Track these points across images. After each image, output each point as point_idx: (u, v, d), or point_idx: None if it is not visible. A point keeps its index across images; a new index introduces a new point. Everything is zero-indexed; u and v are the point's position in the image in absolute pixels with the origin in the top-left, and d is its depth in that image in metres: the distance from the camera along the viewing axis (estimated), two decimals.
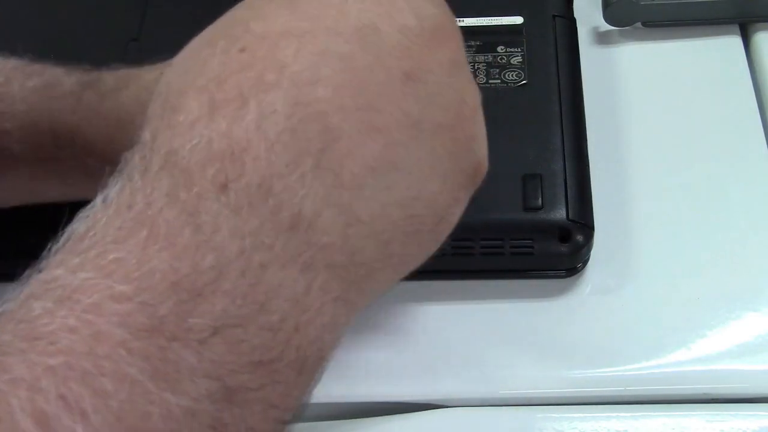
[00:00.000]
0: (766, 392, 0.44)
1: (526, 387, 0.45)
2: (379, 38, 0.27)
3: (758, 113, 0.53)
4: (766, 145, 0.51)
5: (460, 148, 0.29)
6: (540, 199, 0.46)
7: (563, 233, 0.45)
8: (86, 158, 0.40)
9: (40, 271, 0.23)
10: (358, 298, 0.27)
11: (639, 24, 0.57)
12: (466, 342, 0.46)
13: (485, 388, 0.45)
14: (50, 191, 0.43)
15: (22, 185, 0.43)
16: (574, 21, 0.55)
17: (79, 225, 0.24)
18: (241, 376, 0.23)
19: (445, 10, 0.29)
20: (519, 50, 0.52)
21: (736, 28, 0.57)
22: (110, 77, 0.42)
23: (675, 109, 0.54)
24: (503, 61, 0.51)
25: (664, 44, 0.56)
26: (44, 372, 0.21)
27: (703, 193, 0.50)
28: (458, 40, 0.29)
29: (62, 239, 0.24)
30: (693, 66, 0.55)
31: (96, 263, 0.23)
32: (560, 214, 0.46)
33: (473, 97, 0.30)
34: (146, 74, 0.41)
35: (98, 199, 0.24)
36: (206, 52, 0.26)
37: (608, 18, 0.56)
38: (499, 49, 0.52)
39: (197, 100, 0.25)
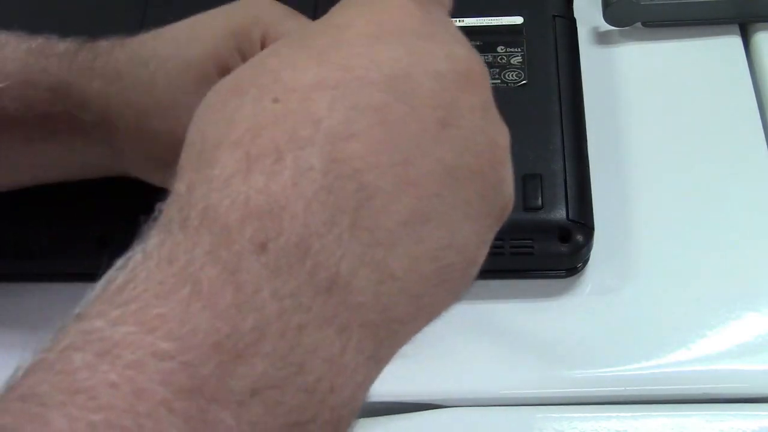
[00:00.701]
0: (766, 392, 0.44)
1: (526, 387, 0.45)
2: (412, 87, 0.26)
3: (758, 113, 0.53)
4: (766, 145, 0.51)
5: (491, 191, 0.28)
6: (540, 199, 0.46)
7: (563, 233, 0.45)
8: (81, 114, 0.41)
9: (77, 320, 0.23)
10: (389, 352, 0.27)
11: (639, 24, 0.57)
12: (466, 342, 0.46)
13: (485, 388, 0.45)
14: (47, 161, 0.43)
15: (18, 151, 0.43)
16: (574, 21, 0.55)
17: (117, 274, 0.23)
18: None
19: (474, 51, 0.29)
20: (519, 50, 0.52)
21: (736, 28, 0.57)
22: (104, 41, 0.43)
23: (675, 109, 0.54)
24: (503, 61, 0.51)
25: (664, 44, 0.56)
26: (85, 428, 0.21)
27: (703, 193, 0.50)
28: (488, 82, 0.29)
29: (99, 287, 0.23)
30: (693, 66, 0.55)
31: (138, 318, 0.22)
32: (560, 214, 0.46)
33: (504, 139, 0.29)
34: (141, 34, 0.42)
35: (137, 249, 0.24)
36: (235, 102, 0.26)
37: (608, 18, 0.56)
38: (499, 49, 0.52)
39: (232, 155, 0.24)
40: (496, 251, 0.46)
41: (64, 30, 0.57)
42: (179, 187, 0.25)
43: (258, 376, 0.22)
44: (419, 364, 0.45)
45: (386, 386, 0.46)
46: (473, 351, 0.46)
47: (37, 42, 0.42)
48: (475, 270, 0.29)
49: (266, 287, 0.23)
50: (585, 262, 0.47)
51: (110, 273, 0.23)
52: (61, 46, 0.42)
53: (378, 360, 0.26)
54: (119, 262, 0.24)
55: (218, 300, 0.23)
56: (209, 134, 0.25)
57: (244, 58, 0.27)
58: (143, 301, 0.23)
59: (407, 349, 0.45)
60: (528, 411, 0.44)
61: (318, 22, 0.28)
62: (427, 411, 0.44)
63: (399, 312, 0.26)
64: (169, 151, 0.38)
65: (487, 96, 0.29)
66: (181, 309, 0.22)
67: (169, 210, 0.25)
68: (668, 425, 0.42)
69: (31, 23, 0.57)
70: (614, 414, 0.43)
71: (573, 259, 0.46)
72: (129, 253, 0.24)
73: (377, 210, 0.25)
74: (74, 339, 0.22)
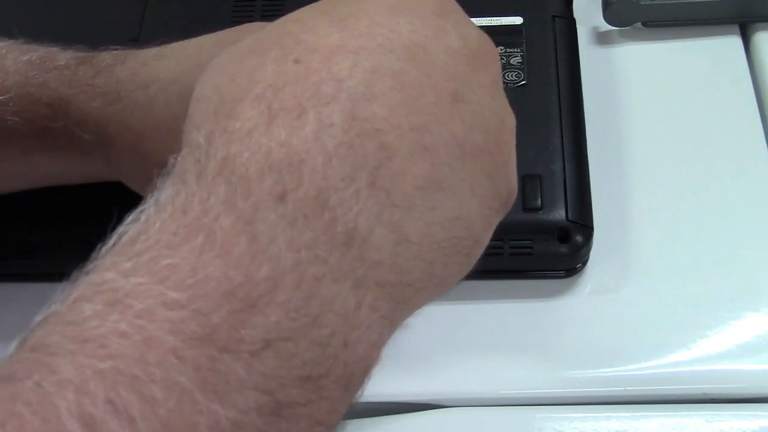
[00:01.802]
0: (766, 392, 0.44)
1: (526, 387, 0.45)
2: (428, 58, 0.27)
3: (758, 113, 0.53)
4: (766, 145, 0.51)
5: (498, 171, 0.29)
6: (539, 200, 0.46)
7: (562, 234, 0.45)
8: (80, 132, 0.40)
9: (88, 273, 0.23)
10: (400, 317, 0.27)
11: (639, 24, 0.57)
12: (466, 342, 0.46)
13: (485, 388, 0.45)
14: (45, 171, 0.43)
15: (16, 162, 0.42)
16: (573, 21, 0.55)
17: (130, 227, 0.24)
18: (290, 390, 0.23)
19: (484, 34, 0.30)
20: (519, 50, 0.52)
21: (736, 28, 0.57)
22: (106, 55, 0.42)
23: (675, 109, 0.54)
24: (503, 61, 0.51)
25: (664, 44, 0.56)
26: (93, 375, 0.21)
27: (703, 193, 0.50)
28: (498, 65, 0.30)
29: (112, 241, 0.23)
30: (693, 66, 0.55)
31: (149, 268, 0.22)
32: (560, 214, 0.46)
33: (510, 121, 0.30)
34: (144, 52, 0.41)
35: (150, 201, 0.24)
36: (254, 62, 0.26)
37: (608, 18, 0.56)
38: (498, 49, 0.52)
39: (255, 108, 0.25)
40: (495, 251, 0.46)
41: (63, 29, 0.57)
42: (196, 138, 0.25)
43: (271, 327, 0.22)
44: (419, 364, 0.45)
45: (386, 386, 0.46)
46: (473, 351, 0.46)
47: (38, 53, 0.42)
48: (479, 251, 0.29)
49: (282, 237, 0.23)
50: (584, 262, 0.47)
51: (123, 226, 0.23)
52: (62, 58, 0.42)
53: (391, 322, 0.26)
54: (132, 215, 0.24)
55: (232, 249, 0.22)
56: (227, 90, 0.25)
57: None
58: (155, 252, 0.22)
59: (408, 350, 0.45)
60: (528, 411, 0.44)
61: None
62: (427, 411, 0.44)
63: (413, 276, 0.26)
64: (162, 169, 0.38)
65: (497, 76, 0.29)
66: (193, 258, 0.22)
67: (184, 161, 0.25)
68: (668, 425, 0.42)
69: (31, 23, 0.57)
70: (614, 414, 0.43)
71: (572, 259, 0.46)
72: (142, 206, 0.24)
73: (395, 171, 0.25)
74: (84, 291, 0.22)
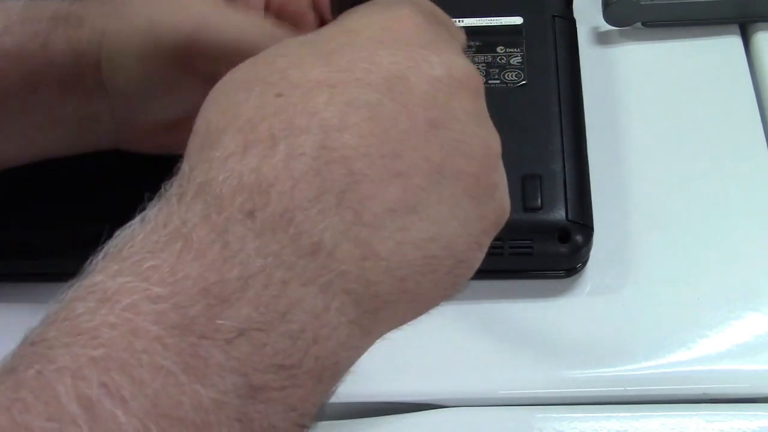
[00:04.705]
0: (766, 392, 0.44)
1: (526, 387, 0.45)
2: (407, 88, 0.28)
3: (758, 113, 0.53)
4: (766, 145, 0.51)
5: (482, 194, 0.30)
6: (539, 200, 0.46)
7: (562, 234, 0.45)
8: (73, 33, 0.41)
9: (81, 280, 0.26)
10: (373, 326, 0.28)
11: (639, 24, 0.57)
12: (466, 342, 0.46)
13: (485, 388, 0.45)
14: (41, 117, 0.43)
15: (10, 111, 0.43)
16: (573, 21, 0.55)
17: (117, 240, 0.26)
18: (264, 375, 0.25)
19: (472, 66, 0.31)
20: (519, 50, 0.52)
21: (736, 28, 0.57)
22: None
23: (675, 109, 0.54)
24: (503, 61, 0.51)
25: (664, 44, 0.56)
26: (87, 362, 0.23)
27: (703, 193, 0.50)
28: (482, 91, 0.31)
29: (102, 253, 0.26)
30: (693, 66, 0.55)
31: (134, 270, 0.25)
32: (559, 214, 0.46)
33: (496, 146, 0.31)
34: None
35: (137, 219, 0.27)
36: (242, 96, 0.28)
37: (608, 18, 0.56)
38: (498, 49, 0.52)
39: (234, 140, 0.27)
40: (495, 251, 0.46)
41: None
42: (183, 167, 0.28)
43: (243, 318, 0.25)
44: (419, 364, 0.45)
45: (386, 386, 0.46)
46: (473, 351, 0.46)
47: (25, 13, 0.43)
48: (465, 271, 0.30)
49: (251, 246, 0.26)
50: (584, 262, 0.47)
51: (112, 240, 0.26)
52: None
53: (362, 328, 0.28)
54: (120, 231, 0.27)
55: (206, 253, 0.25)
56: (215, 122, 0.28)
57: None
58: (139, 256, 0.25)
59: (408, 350, 0.45)
60: (528, 411, 0.44)
61: (333, 24, 0.31)
62: (427, 411, 0.44)
63: (382, 290, 0.28)
64: (151, 83, 0.41)
65: (481, 104, 0.31)
66: (173, 260, 0.25)
67: (170, 187, 0.27)
68: (668, 425, 0.42)
69: None
70: (614, 414, 0.43)
71: (572, 259, 0.46)
72: (129, 223, 0.27)
73: (364, 195, 0.27)
74: (78, 292, 0.25)
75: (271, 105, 0.28)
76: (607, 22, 0.56)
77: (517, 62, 0.51)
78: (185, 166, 0.28)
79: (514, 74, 0.51)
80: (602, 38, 0.57)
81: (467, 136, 0.29)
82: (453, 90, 0.29)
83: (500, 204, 0.31)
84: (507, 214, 0.32)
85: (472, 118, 0.30)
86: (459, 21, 0.52)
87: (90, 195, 0.47)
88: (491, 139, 0.31)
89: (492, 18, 0.53)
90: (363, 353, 0.29)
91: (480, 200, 0.30)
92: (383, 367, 0.45)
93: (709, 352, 0.45)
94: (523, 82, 0.50)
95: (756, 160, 0.51)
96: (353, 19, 0.31)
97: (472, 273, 0.30)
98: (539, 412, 0.43)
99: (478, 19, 0.53)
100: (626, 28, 0.57)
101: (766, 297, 0.46)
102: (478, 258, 0.30)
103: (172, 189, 0.27)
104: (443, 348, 0.46)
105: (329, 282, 0.27)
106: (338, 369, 0.28)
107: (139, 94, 0.43)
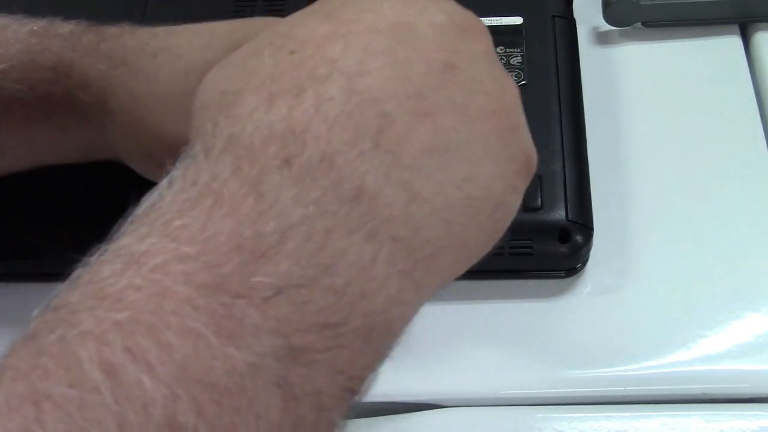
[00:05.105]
0: (766, 392, 0.44)
1: (526, 387, 0.45)
2: (414, 34, 0.28)
3: (758, 113, 0.53)
4: (766, 145, 0.51)
5: (508, 133, 0.30)
6: (539, 200, 0.46)
7: (562, 234, 0.45)
8: (80, 94, 0.41)
9: (108, 244, 0.24)
10: (425, 278, 0.27)
11: (639, 24, 0.57)
12: (466, 342, 0.46)
13: (485, 388, 0.45)
14: (42, 142, 0.43)
15: (14, 134, 0.43)
16: (573, 21, 0.55)
17: (144, 204, 0.25)
18: (306, 336, 0.24)
19: (473, 14, 0.31)
20: (518, 50, 0.52)
21: (736, 28, 0.57)
22: (113, 27, 0.43)
23: (675, 109, 0.54)
24: (503, 61, 0.51)
25: (664, 44, 0.56)
26: (111, 326, 0.22)
27: (703, 194, 0.50)
28: (488, 37, 0.31)
29: (129, 218, 0.25)
30: (693, 66, 0.55)
31: (162, 230, 0.24)
32: (559, 214, 0.46)
33: (513, 88, 0.31)
34: (154, 28, 0.42)
35: (163, 182, 0.25)
36: (253, 61, 0.28)
37: (608, 18, 0.56)
38: (498, 49, 0.52)
39: (255, 95, 0.26)
40: (495, 251, 0.46)
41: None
42: (204, 125, 0.26)
43: (283, 274, 0.23)
44: (419, 364, 0.45)
45: (386, 386, 0.46)
46: (473, 351, 0.46)
47: (39, 24, 0.42)
48: (504, 216, 0.30)
49: (288, 195, 0.24)
50: (584, 262, 0.47)
51: (139, 205, 0.25)
52: (66, 27, 0.42)
53: (414, 279, 0.27)
54: (147, 195, 0.25)
55: (239, 208, 0.24)
56: (228, 87, 0.27)
57: None
58: (167, 217, 0.24)
59: (408, 350, 0.45)
60: (528, 411, 0.44)
61: None
62: (427, 411, 0.44)
63: (431, 233, 0.27)
64: (155, 141, 0.39)
65: (488, 47, 0.31)
66: (204, 218, 0.24)
67: (193, 146, 0.26)
68: (668, 425, 0.42)
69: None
70: (614, 414, 0.43)
71: (572, 259, 0.46)
72: (156, 186, 0.25)
73: (398, 136, 0.26)
74: (104, 256, 0.24)
75: (286, 60, 0.27)
76: (607, 22, 0.56)
77: (517, 62, 0.51)
78: (206, 124, 0.26)
79: (513, 74, 0.51)
80: (602, 38, 0.57)
81: (482, 75, 0.29)
82: (457, 34, 0.29)
83: (527, 145, 0.31)
84: (535, 158, 0.31)
85: (482, 59, 0.30)
86: None
87: (90, 195, 0.47)
88: (506, 80, 0.30)
89: (492, 18, 0.53)
90: (416, 312, 0.27)
91: (507, 140, 0.29)
92: (383, 367, 0.45)
93: (709, 352, 0.45)
94: (523, 82, 0.50)
95: (756, 160, 0.51)
96: None
97: (511, 218, 0.30)
98: (539, 412, 0.43)
99: None
100: (626, 28, 0.57)
101: (766, 297, 0.46)
102: (515, 202, 0.30)
103: (196, 146, 0.26)
104: (443, 348, 0.46)
105: (375, 229, 0.25)
106: (390, 327, 0.26)
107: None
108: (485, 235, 0.29)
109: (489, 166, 0.29)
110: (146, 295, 0.22)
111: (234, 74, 0.28)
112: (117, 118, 0.41)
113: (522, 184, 0.30)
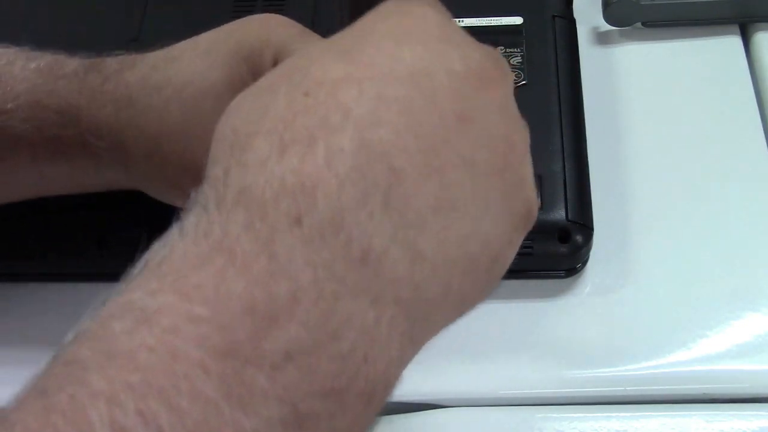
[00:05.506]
0: (766, 392, 0.44)
1: (526, 387, 0.45)
2: (432, 83, 0.28)
3: (758, 113, 0.53)
4: (766, 145, 0.51)
5: (511, 189, 0.29)
6: (539, 200, 0.46)
7: (562, 234, 0.45)
8: (94, 140, 0.41)
9: (118, 295, 0.24)
10: (421, 335, 0.28)
11: (639, 24, 0.57)
12: (466, 342, 0.46)
13: (485, 388, 0.45)
14: (57, 179, 0.43)
15: (25, 170, 0.43)
16: (573, 21, 0.55)
17: (155, 254, 0.25)
18: (312, 402, 0.24)
19: (491, 54, 0.30)
20: (518, 50, 0.52)
21: (736, 28, 0.57)
22: (113, 61, 0.42)
23: (675, 109, 0.54)
24: None
25: (664, 44, 0.56)
26: (123, 387, 0.22)
27: (703, 194, 0.50)
28: (506, 85, 0.30)
29: (139, 267, 0.25)
30: (693, 66, 0.55)
31: (174, 287, 0.24)
32: (559, 214, 0.46)
33: (523, 141, 0.30)
34: (152, 55, 0.41)
35: (174, 230, 0.25)
36: (267, 98, 0.27)
37: (608, 18, 0.56)
38: (498, 49, 0.52)
39: (267, 141, 0.26)
40: None
41: (63, 29, 0.57)
42: (215, 172, 0.26)
43: (292, 341, 0.23)
44: (419, 364, 0.45)
45: None
46: (473, 351, 0.46)
47: (45, 61, 0.42)
48: (500, 270, 0.30)
49: (300, 256, 0.24)
50: (584, 262, 0.47)
51: (149, 253, 0.25)
52: (70, 65, 0.42)
53: (412, 340, 0.27)
54: (157, 243, 0.25)
55: (252, 267, 0.24)
56: (242, 127, 0.27)
57: (257, 79, 0.29)
58: (180, 273, 0.24)
59: None
60: (528, 411, 0.44)
61: (344, 30, 0.30)
62: (427, 411, 0.44)
63: (430, 293, 0.27)
64: (180, 172, 0.39)
65: (505, 95, 0.30)
66: (216, 277, 0.23)
67: (204, 192, 0.26)
68: (668, 425, 0.42)
69: (31, 23, 0.57)
70: (614, 414, 0.43)
71: (572, 259, 0.46)
72: (167, 234, 0.25)
73: (407, 192, 0.26)
74: (114, 310, 0.24)
75: (299, 104, 0.26)
76: (607, 22, 0.56)
77: (517, 62, 0.51)
78: (217, 170, 0.26)
79: (513, 74, 0.51)
80: (602, 38, 0.57)
81: (491, 129, 0.29)
82: (473, 83, 0.29)
83: (529, 200, 0.30)
84: (536, 210, 0.31)
85: (495, 110, 0.29)
86: (459, 21, 0.52)
87: (90, 195, 0.47)
88: (517, 132, 0.30)
89: (492, 18, 0.53)
90: (406, 367, 0.27)
91: (510, 195, 0.29)
92: None
93: (709, 352, 0.45)
94: (523, 82, 0.50)
95: (756, 160, 0.51)
96: (367, 19, 0.30)
97: (504, 271, 0.30)
98: (539, 412, 0.43)
99: (478, 19, 0.53)
100: (626, 28, 0.57)
101: (766, 297, 0.46)
102: (510, 256, 0.30)
103: (208, 194, 0.26)
104: (443, 348, 0.45)
105: (380, 292, 0.25)
106: (387, 389, 0.26)
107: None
108: (478, 290, 0.29)
109: (490, 223, 0.28)
110: (158, 357, 0.22)
111: (247, 109, 0.27)
112: (139, 160, 0.41)
113: (519, 238, 0.30)
